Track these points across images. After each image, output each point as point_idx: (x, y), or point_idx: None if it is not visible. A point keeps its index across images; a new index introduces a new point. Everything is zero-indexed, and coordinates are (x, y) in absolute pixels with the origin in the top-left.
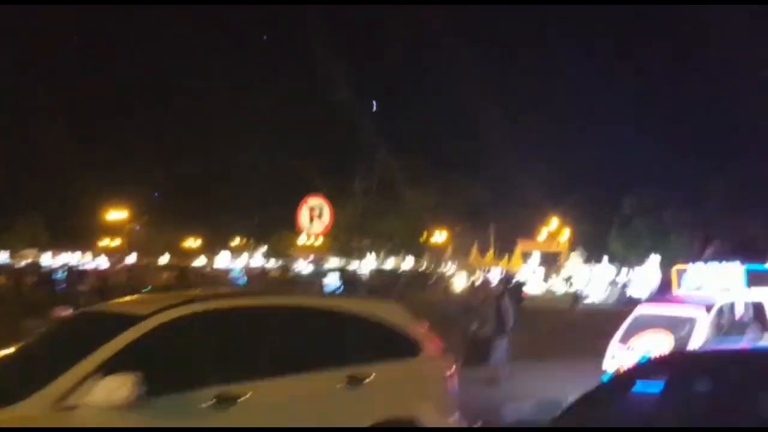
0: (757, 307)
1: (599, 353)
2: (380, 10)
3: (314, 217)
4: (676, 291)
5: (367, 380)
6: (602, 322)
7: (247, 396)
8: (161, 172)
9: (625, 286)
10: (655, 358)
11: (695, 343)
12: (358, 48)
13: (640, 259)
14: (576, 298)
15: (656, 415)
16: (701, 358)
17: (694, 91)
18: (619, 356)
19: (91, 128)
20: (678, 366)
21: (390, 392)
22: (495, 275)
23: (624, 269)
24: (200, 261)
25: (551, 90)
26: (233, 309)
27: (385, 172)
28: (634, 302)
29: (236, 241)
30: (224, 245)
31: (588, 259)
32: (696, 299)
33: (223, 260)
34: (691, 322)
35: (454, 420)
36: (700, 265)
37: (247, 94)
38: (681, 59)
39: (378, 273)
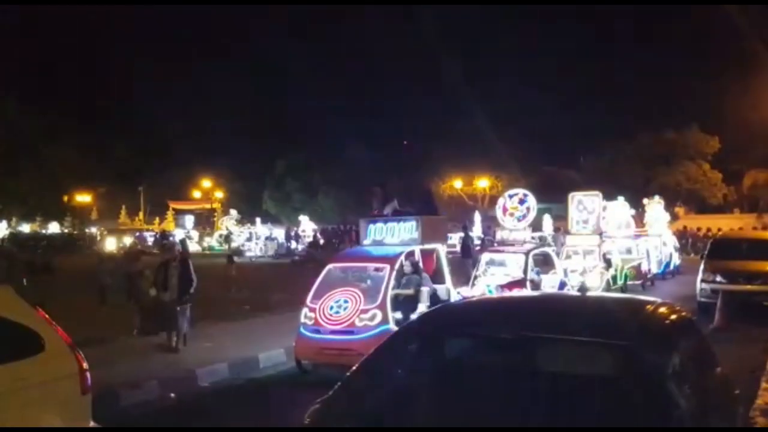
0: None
1: (278, 306)
2: None
3: None
4: (363, 242)
5: None
6: (268, 274)
7: None
8: None
9: (283, 240)
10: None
11: (385, 292)
12: None
13: (292, 218)
14: (234, 253)
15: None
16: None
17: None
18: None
19: None
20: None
21: (7, 401)
22: (148, 237)
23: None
24: None
25: (208, 50)
26: None
27: (13, 126)
28: (291, 253)
29: None
30: None
31: (242, 220)
32: (381, 251)
33: None
34: (379, 273)
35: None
36: (381, 220)
37: None
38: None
39: (12, 238)
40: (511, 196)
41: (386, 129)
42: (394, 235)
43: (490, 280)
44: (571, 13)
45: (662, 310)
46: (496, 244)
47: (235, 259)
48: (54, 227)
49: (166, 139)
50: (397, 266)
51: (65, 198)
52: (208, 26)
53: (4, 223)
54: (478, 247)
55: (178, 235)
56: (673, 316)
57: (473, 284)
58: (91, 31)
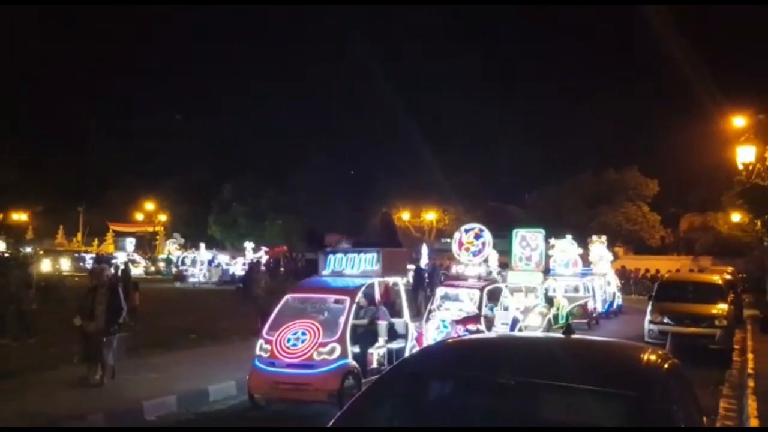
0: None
1: (225, 335)
2: None
3: None
4: (322, 273)
5: None
6: (212, 300)
7: None
8: None
9: (226, 266)
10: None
11: (345, 325)
12: None
13: (237, 243)
14: (176, 278)
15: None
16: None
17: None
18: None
19: None
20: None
21: None
22: (88, 259)
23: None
24: None
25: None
26: None
27: None
28: (236, 280)
29: None
30: None
31: (185, 244)
32: (341, 282)
33: None
34: (339, 305)
35: None
36: (341, 251)
37: None
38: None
39: None
40: (467, 231)
41: (333, 156)
42: (354, 267)
43: (445, 315)
44: (516, 49)
45: (657, 356)
46: (442, 279)
47: (177, 284)
48: None
49: (108, 159)
50: (357, 299)
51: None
52: (155, 43)
53: None
54: (426, 280)
55: (121, 257)
56: (668, 363)
57: (428, 318)
58: (31, 46)
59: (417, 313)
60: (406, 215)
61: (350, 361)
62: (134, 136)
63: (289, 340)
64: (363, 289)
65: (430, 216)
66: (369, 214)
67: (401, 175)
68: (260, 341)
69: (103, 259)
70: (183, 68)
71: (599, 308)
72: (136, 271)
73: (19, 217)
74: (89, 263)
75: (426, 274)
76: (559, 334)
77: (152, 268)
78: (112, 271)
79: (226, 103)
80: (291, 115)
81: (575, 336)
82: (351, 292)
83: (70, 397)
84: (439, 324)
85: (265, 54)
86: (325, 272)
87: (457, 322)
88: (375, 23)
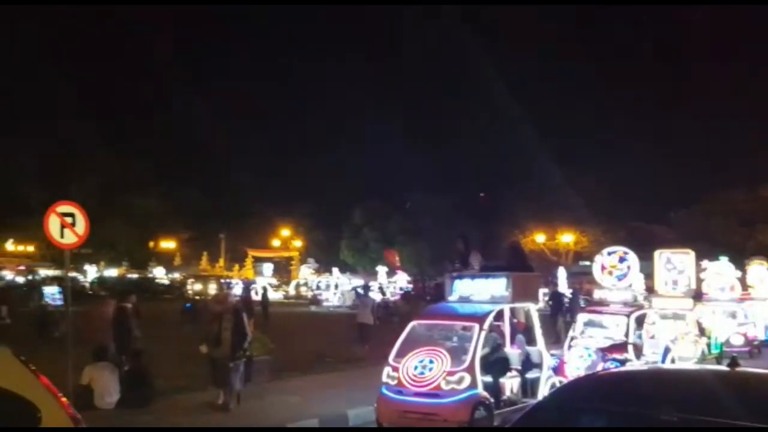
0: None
1: (361, 360)
2: None
3: (67, 226)
4: (448, 298)
5: None
6: (345, 324)
7: None
8: None
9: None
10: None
11: (474, 354)
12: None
13: (369, 267)
14: (312, 303)
15: None
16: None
17: (423, 114)
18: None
19: None
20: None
21: None
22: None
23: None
24: None
25: (282, 103)
26: None
27: (107, 176)
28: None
29: None
30: None
31: (319, 269)
32: (468, 309)
33: None
34: (467, 332)
35: None
36: (468, 275)
37: None
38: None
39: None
40: (610, 253)
41: (463, 178)
42: (482, 292)
43: (589, 343)
44: (654, 63)
45: None
46: (583, 304)
47: (312, 308)
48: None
49: (245, 188)
50: (486, 326)
51: (151, 244)
52: (289, 82)
53: (94, 267)
54: (566, 305)
55: (260, 282)
56: None
57: (570, 346)
58: (171, 86)
59: (556, 340)
60: (540, 237)
61: (480, 391)
62: (270, 165)
63: (416, 367)
64: (492, 315)
65: (567, 238)
66: (499, 237)
67: (532, 196)
68: (387, 368)
69: (247, 284)
70: (316, 103)
71: (761, 336)
72: (275, 295)
73: (168, 244)
74: (237, 288)
75: (565, 299)
76: (721, 366)
77: (293, 292)
78: (253, 295)
79: (358, 128)
80: (412, 136)
81: (741, 368)
82: (480, 318)
83: (212, 420)
84: (582, 352)
85: (390, 78)
86: (451, 298)
87: (603, 350)
88: (499, 43)
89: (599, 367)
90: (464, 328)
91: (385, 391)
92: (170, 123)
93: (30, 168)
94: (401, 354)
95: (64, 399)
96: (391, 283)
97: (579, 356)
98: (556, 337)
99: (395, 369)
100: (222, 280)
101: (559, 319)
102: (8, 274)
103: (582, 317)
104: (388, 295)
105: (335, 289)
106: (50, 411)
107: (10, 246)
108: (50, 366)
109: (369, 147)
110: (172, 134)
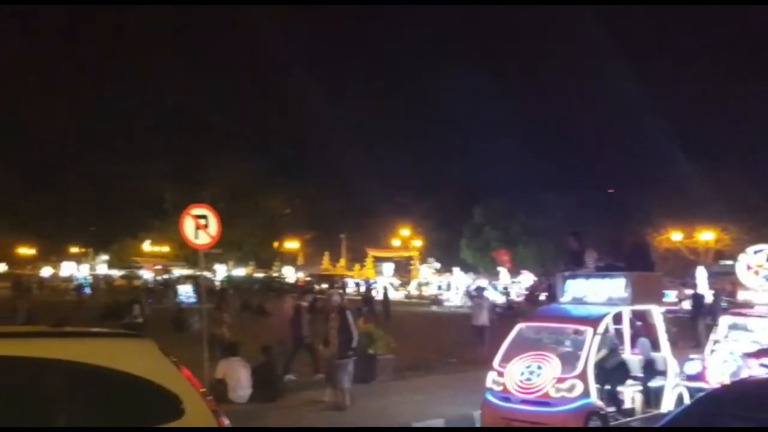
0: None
1: (485, 361)
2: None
3: (201, 227)
4: (560, 299)
5: None
6: (467, 324)
7: None
8: None
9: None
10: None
11: (587, 360)
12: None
13: (490, 268)
14: (433, 303)
15: None
16: None
17: (544, 109)
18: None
19: None
20: None
21: None
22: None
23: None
24: (45, 270)
25: (399, 102)
26: None
27: (234, 178)
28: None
29: (74, 250)
30: (60, 254)
31: (440, 269)
32: (582, 311)
33: (67, 269)
34: (579, 336)
35: None
36: (582, 275)
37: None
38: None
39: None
40: (756, 252)
41: (591, 175)
42: (598, 293)
43: (734, 347)
44: None
45: None
46: (725, 305)
47: (434, 308)
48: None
49: (368, 188)
50: (600, 329)
51: (275, 244)
52: (404, 86)
53: (224, 266)
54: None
55: (381, 282)
56: None
57: (712, 350)
58: (298, 95)
59: (696, 345)
60: (676, 236)
61: (594, 400)
62: (396, 166)
63: (522, 373)
64: (608, 318)
65: (706, 236)
66: (630, 236)
67: (666, 191)
68: (492, 373)
69: (368, 285)
70: (433, 104)
71: None
72: (397, 294)
73: (292, 244)
74: (360, 287)
75: (705, 301)
76: None
77: (414, 292)
78: (374, 294)
79: (472, 125)
80: (539, 132)
81: None
82: (593, 322)
83: (333, 418)
84: (726, 357)
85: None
86: (563, 299)
87: (749, 355)
88: (627, 38)
89: (745, 373)
90: (576, 332)
91: (489, 397)
92: (296, 126)
93: (165, 172)
94: (507, 358)
95: (203, 391)
96: (515, 283)
97: (723, 361)
98: (696, 342)
99: (500, 374)
100: (335, 281)
101: (699, 322)
102: (146, 273)
103: (725, 320)
104: (513, 296)
105: (457, 289)
106: (192, 403)
107: (147, 246)
108: (187, 361)
109: (486, 146)
110: (297, 136)
